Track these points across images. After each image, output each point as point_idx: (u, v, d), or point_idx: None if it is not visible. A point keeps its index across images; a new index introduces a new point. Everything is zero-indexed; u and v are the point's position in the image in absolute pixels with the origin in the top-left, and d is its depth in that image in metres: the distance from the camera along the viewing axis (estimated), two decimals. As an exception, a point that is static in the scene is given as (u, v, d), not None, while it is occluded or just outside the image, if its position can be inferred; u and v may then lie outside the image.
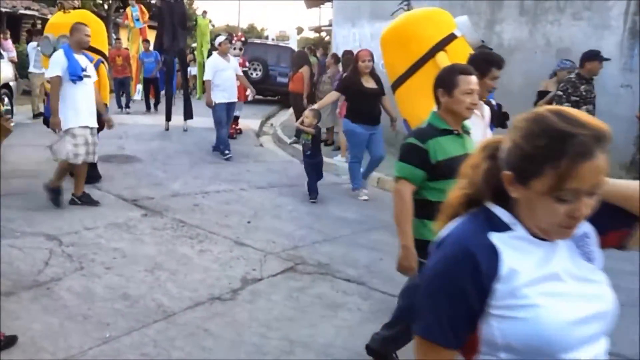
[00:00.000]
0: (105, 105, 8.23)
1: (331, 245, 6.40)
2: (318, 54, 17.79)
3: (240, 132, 13.38)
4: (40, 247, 5.78)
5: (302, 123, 8.20)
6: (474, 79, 3.46)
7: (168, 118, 13.30)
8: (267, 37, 30.73)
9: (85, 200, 7.29)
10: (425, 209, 3.34)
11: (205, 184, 8.70)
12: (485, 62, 4.24)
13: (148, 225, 6.67)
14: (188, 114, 13.14)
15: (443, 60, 6.00)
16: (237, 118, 12.86)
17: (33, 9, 23.90)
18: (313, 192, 8.23)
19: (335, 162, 10.44)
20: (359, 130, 8.25)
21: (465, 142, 3.50)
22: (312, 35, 38.06)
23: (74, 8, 9.48)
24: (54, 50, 7.76)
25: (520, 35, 9.66)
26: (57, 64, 7.00)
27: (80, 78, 7.08)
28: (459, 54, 6.13)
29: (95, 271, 5.31)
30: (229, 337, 4.31)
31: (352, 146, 8.56)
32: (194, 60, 21.07)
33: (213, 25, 21.04)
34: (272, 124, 16.19)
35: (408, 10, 7.04)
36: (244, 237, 6.47)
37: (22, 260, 5.38)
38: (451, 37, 6.25)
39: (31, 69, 14.36)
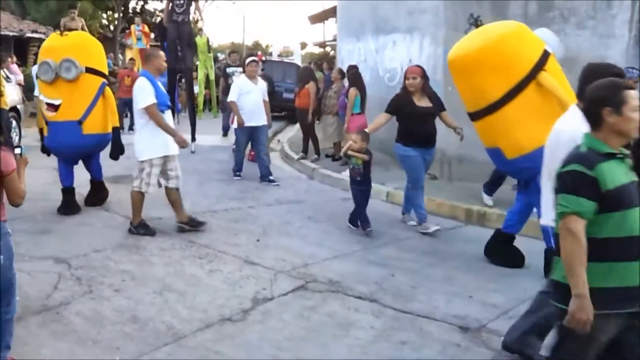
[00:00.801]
0: (119, 128, 8.20)
1: (341, 262, 6.34)
2: (324, 68, 17.83)
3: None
4: (49, 270, 5.76)
5: (349, 147, 7.44)
6: (636, 93, 3.09)
7: None
8: (271, 54, 30.85)
9: (144, 232, 7.09)
10: (593, 249, 2.94)
11: (213, 203, 8.67)
12: (617, 74, 3.83)
13: (156, 246, 6.63)
14: (191, 136, 12.97)
15: (548, 81, 5.61)
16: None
17: (40, 32, 24.01)
18: (365, 222, 7.39)
19: (344, 178, 10.38)
20: (412, 154, 7.37)
21: (627, 166, 3.11)
22: (317, 50, 38.14)
23: (70, 30, 9.38)
24: (56, 75, 7.64)
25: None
26: (149, 92, 6.83)
27: (168, 107, 7.13)
28: (555, 72, 5.78)
29: (104, 294, 5.27)
30: (240, 359, 4.26)
31: (410, 171, 7.57)
32: (195, 78, 21.14)
33: (210, 45, 21.04)
34: (279, 140, 16.18)
35: (478, 25, 6.44)
36: (254, 255, 6.43)
37: (30, 285, 5.34)
38: (546, 55, 5.78)
39: (36, 93, 14.32)
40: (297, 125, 14.52)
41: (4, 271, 3.70)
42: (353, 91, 10.63)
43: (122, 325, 4.69)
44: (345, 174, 10.38)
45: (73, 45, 7.92)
